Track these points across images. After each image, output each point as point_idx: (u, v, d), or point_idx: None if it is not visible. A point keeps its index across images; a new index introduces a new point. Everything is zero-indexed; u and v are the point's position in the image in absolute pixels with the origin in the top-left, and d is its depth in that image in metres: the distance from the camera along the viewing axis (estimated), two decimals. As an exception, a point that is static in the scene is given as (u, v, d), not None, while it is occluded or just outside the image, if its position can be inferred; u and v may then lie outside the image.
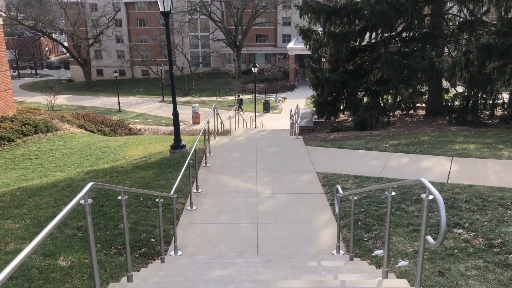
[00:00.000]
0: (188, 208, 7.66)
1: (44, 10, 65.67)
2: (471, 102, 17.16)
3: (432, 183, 8.41)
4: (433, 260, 5.07)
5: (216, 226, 6.98)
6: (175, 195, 5.96)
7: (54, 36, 70.78)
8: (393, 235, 6.20)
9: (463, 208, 6.91)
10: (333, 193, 8.27)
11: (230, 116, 16.88)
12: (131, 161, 11.35)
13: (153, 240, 6.48)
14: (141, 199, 7.95)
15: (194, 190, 8.40)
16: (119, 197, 3.87)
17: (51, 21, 62.76)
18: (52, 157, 15.85)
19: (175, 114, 10.95)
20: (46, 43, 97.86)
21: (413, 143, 12.08)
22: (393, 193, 3.92)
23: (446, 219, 6.52)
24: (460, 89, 19.88)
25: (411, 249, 5.57)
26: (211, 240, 6.54)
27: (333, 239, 6.48)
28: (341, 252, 6.05)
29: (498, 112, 17.91)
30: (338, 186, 5.96)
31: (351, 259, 5.36)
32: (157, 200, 5.20)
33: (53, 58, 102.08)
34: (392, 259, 5.39)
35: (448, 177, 8.76)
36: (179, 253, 6.10)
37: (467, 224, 6.17)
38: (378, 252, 5.74)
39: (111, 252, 5.92)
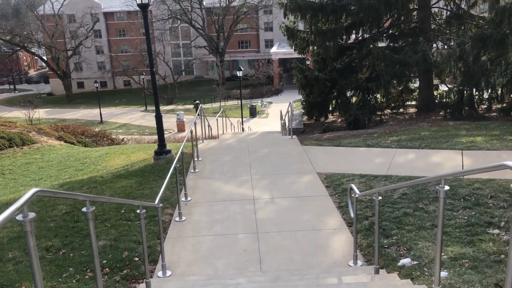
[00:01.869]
0: (177, 219, 6.70)
1: (21, 23, 64.00)
2: (466, 95, 16.55)
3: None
4: (480, 269, 4.20)
5: (210, 239, 6.03)
6: (161, 205, 5.00)
7: (32, 50, 69.07)
8: (418, 239, 5.33)
9: (490, 204, 6.08)
10: (339, 194, 7.40)
11: (217, 120, 15.93)
12: (111, 171, 10.34)
13: (137, 259, 5.51)
14: (122, 211, 6.96)
15: (183, 199, 7.44)
16: (84, 209, 2.93)
17: (28, 34, 61.17)
18: (27, 171, 14.69)
19: (158, 116, 9.99)
20: (24, 57, 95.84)
21: (415, 138, 11.29)
22: (447, 187, 3.04)
23: (474, 218, 5.70)
24: (449, 85, 19.37)
25: (445, 256, 4.70)
26: (206, 256, 5.58)
27: (347, 247, 5.58)
28: (359, 262, 5.16)
29: (494, 105, 17.33)
30: (353, 185, 5.08)
31: (377, 271, 4.46)
32: (138, 211, 4.25)
33: (32, 72, 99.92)
34: (425, 269, 4.51)
35: (462, 172, 7.95)
36: (168, 273, 5.14)
37: (502, 223, 5.33)
38: (405, 261, 4.85)
39: (86, 277, 4.93)
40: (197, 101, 39.42)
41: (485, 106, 16.87)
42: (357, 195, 4.97)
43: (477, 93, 16.71)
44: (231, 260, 5.46)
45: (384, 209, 6.48)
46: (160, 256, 5.29)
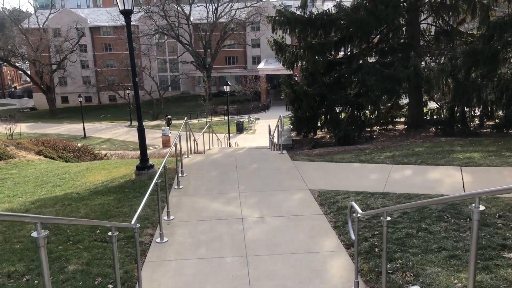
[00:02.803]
0: (158, 240, 6.08)
1: (5, 37, 62.96)
2: (457, 111, 16.29)
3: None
4: (504, 301, 3.69)
5: (194, 263, 5.43)
6: (138, 225, 4.40)
7: (16, 64, 67.93)
8: (425, 264, 4.81)
9: (500, 225, 5.61)
10: (334, 213, 6.86)
11: (203, 135, 15.37)
12: (89, 187, 9.68)
13: (111, 286, 4.88)
14: (98, 231, 6.32)
15: (165, 217, 6.84)
16: (34, 234, 2.35)
17: (12, 48, 60.15)
18: (2, 187, 13.86)
19: (141, 129, 9.41)
20: (8, 72, 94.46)
21: (409, 154, 10.87)
22: (482, 208, 2.53)
23: (485, 240, 5.20)
24: (438, 102, 19.22)
25: (459, 284, 4.18)
26: (189, 283, 4.98)
27: (347, 272, 5.04)
28: (361, 290, 4.61)
29: (486, 121, 17.10)
30: (354, 204, 4.56)
31: (384, 303, 3.92)
32: (110, 233, 3.66)
33: (16, 87, 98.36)
34: (439, 299, 3.99)
35: (464, 189, 7.51)
36: (146, 303, 4.53)
37: (517, 246, 4.85)
38: (414, 289, 4.32)
39: (50, 309, 4.28)
40: (169, 116, 39.53)
41: (477, 123, 16.62)
42: (359, 215, 4.45)
43: (468, 109, 16.47)
44: (217, 287, 4.87)
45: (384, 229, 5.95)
46: (137, 284, 4.68)
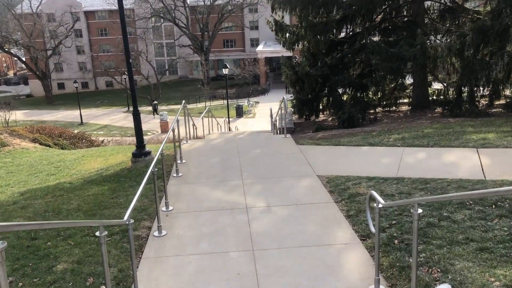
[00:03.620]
0: (156, 234, 5.58)
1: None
2: (468, 91, 15.72)
3: (468, 180, 6.66)
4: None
5: (195, 259, 4.94)
6: (132, 221, 3.87)
7: (11, 50, 66.84)
8: (453, 258, 4.33)
9: (529, 212, 5.12)
10: (345, 201, 6.36)
11: (202, 119, 14.83)
12: (84, 175, 9.17)
13: (104, 287, 4.40)
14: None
15: (163, 208, 6.33)
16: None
17: (6, 34, 59.03)
18: (-6, 176, 13.39)
19: (136, 113, 8.88)
20: (3, 59, 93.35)
21: (419, 136, 10.35)
22: None
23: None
24: (444, 83, 18.65)
25: (497, 283, 3.69)
26: (191, 282, 4.50)
27: (364, 268, 4.55)
28: (382, 288, 4.13)
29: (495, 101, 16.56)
30: (374, 192, 4.05)
31: (414, 306, 3.43)
32: (98, 233, 3.15)
33: (11, 74, 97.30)
34: (477, 302, 3.50)
35: (483, 173, 7.00)
36: (143, 307, 4.05)
37: (556, 236, 4.36)
38: (444, 287, 3.84)
39: (34, 317, 3.81)
40: (155, 102, 39.70)
41: (485, 102, 16.07)
42: (380, 205, 3.92)
43: (476, 88, 15.91)
44: (222, 286, 4.39)
45: (402, 218, 5.47)
46: (133, 285, 4.19)
